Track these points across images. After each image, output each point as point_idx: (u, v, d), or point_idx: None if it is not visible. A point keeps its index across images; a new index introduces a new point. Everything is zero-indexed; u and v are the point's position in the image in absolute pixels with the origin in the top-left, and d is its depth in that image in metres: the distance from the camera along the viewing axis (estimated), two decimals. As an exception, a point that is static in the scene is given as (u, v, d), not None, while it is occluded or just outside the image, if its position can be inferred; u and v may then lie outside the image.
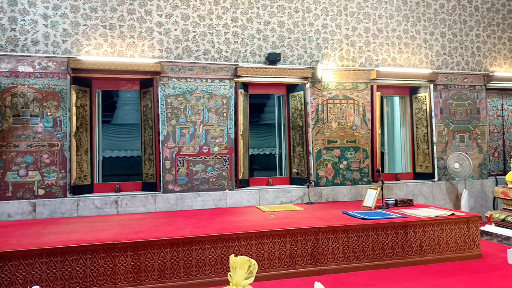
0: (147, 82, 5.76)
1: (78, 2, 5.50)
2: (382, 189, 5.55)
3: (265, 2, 6.21)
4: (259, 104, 11.93)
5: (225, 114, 5.95)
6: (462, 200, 6.57)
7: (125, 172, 9.51)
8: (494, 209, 7.00)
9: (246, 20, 6.11)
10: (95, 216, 5.29)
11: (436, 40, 6.98)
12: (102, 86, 5.85)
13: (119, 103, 11.41)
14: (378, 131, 6.56)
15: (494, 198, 6.98)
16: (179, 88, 5.80)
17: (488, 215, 6.01)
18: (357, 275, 4.27)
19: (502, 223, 5.78)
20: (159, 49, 5.76)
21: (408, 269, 4.44)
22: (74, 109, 5.33)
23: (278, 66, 6.17)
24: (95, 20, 5.55)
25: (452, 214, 4.95)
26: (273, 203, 6.06)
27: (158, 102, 5.70)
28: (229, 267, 2.33)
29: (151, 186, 5.74)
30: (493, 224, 5.93)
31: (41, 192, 5.27)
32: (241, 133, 5.95)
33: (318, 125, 6.33)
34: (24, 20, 5.32)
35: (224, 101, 5.95)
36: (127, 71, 5.57)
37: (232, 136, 5.97)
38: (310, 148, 6.25)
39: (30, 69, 5.30)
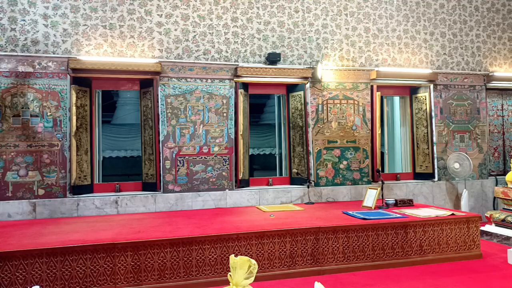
0: (147, 82, 5.76)
1: (78, 2, 5.50)
2: (382, 189, 5.55)
3: (265, 2, 6.21)
4: (259, 104, 11.92)
5: (225, 114, 5.95)
6: (462, 200, 6.57)
7: (125, 172, 9.50)
8: (494, 209, 7.00)
9: (246, 20, 6.11)
10: (95, 216, 5.29)
11: (436, 40, 6.98)
12: (102, 86, 5.85)
13: (119, 103, 11.41)
14: (378, 131, 6.56)
15: (494, 198, 6.98)
16: (179, 88, 5.80)
17: (488, 215, 6.01)
18: (357, 275, 4.27)
19: (502, 223, 5.78)
20: (159, 49, 5.76)
21: (408, 269, 4.44)
22: (74, 109, 5.33)
23: (278, 66, 6.17)
24: (95, 20, 5.55)
25: (452, 214, 4.95)
26: (273, 203, 6.06)
27: (158, 102, 5.70)
28: (229, 267, 2.33)
29: (151, 186, 5.74)
30: (493, 224, 5.93)
31: (41, 192, 5.27)
32: (241, 133, 5.95)
33: (318, 125, 6.33)
34: (24, 20, 5.32)
35: (224, 101, 5.95)
36: (127, 71, 5.57)
37: (232, 136, 5.97)
38: (310, 148, 6.25)
39: (30, 69, 5.30)
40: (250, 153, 6.86)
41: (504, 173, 7.33)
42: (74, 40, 5.47)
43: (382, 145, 7.42)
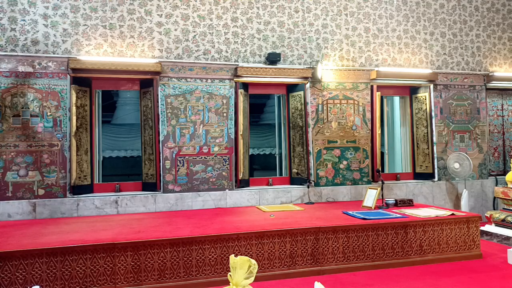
0: (147, 82, 5.76)
1: (78, 2, 5.50)
2: (382, 189, 5.55)
3: (265, 2, 6.21)
4: (259, 104, 11.92)
5: (225, 114, 5.95)
6: (462, 200, 6.57)
7: (125, 172, 9.50)
8: (494, 209, 7.00)
9: (246, 20, 6.11)
10: (95, 216, 5.29)
11: (436, 40, 6.98)
12: (102, 86, 5.85)
13: (119, 103, 11.41)
14: (378, 131, 6.56)
15: (494, 198, 6.98)
16: (179, 88, 5.80)
17: (488, 215, 6.01)
18: (357, 275, 4.27)
19: (502, 223, 5.78)
20: (159, 49, 5.76)
21: (408, 269, 4.44)
22: (74, 109, 5.33)
23: (278, 66, 6.17)
24: (95, 20, 5.55)
25: (452, 214, 4.95)
26: (273, 203, 6.06)
27: (158, 102, 5.70)
28: (229, 267, 2.33)
29: (151, 186, 5.74)
30: (493, 224, 5.93)
31: (41, 192, 5.27)
32: (241, 133, 5.95)
33: (318, 125, 6.33)
34: (24, 20, 5.32)
35: (224, 101, 5.95)
36: (127, 71, 5.57)
37: (232, 136, 5.97)
38: (310, 148, 6.25)
39: (30, 69, 5.30)
40: (250, 153, 6.86)
41: (504, 173, 7.33)
42: (74, 40, 5.47)
43: (382, 145, 7.42)
